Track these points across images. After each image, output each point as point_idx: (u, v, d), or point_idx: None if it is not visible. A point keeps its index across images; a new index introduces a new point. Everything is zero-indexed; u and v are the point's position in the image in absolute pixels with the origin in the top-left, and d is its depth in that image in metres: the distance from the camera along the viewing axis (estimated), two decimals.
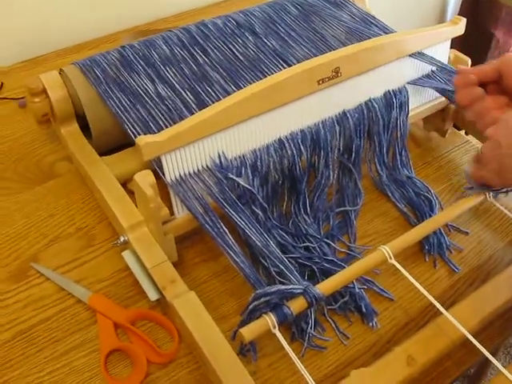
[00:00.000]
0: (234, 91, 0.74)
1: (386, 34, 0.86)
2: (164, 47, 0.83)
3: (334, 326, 0.69)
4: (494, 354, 1.23)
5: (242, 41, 0.85)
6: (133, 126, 0.73)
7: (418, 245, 0.78)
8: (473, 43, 1.80)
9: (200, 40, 0.84)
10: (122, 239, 0.69)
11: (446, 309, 0.67)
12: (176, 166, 0.66)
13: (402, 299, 0.73)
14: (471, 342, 0.58)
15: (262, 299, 0.55)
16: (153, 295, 0.65)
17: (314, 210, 0.77)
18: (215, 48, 0.83)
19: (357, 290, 0.70)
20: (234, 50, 0.83)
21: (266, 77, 0.76)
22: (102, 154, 0.79)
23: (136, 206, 0.70)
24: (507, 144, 0.62)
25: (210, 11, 1.23)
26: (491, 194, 0.70)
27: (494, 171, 0.66)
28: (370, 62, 0.75)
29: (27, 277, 0.73)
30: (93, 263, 0.75)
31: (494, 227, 0.82)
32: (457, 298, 0.73)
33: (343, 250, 0.76)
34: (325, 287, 0.58)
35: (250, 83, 0.74)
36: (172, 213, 0.69)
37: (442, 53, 0.84)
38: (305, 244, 0.73)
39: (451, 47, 0.86)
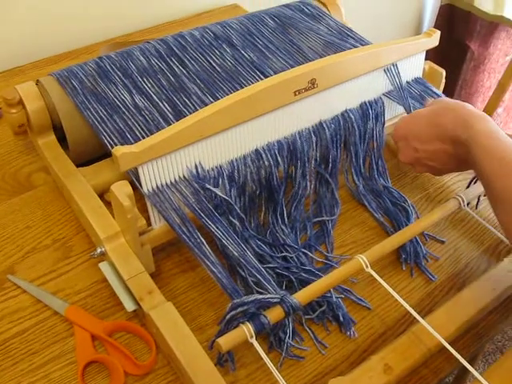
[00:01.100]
0: (212, 102, 0.74)
1: (362, 46, 0.87)
2: (141, 58, 0.83)
3: (311, 335, 0.70)
4: (471, 362, 1.25)
5: (219, 52, 0.85)
6: (110, 137, 0.72)
7: (395, 254, 0.79)
8: (448, 55, 1.83)
9: (177, 51, 0.84)
10: (98, 250, 0.69)
11: (423, 317, 0.68)
12: (153, 176, 0.66)
13: (380, 308, 0.73)
14: (448, 350, 0.59)
15: (239, 309, 0.56)
16: (130, 306, 0.65)
17: (291, 220, 0.78)
18: (193, 59, 0.83)
19: (334, 300, 0.70)
20: (211, 61, 0.83)
21: (243, 88, 0.77)
22: (79, 164, 0.79)
23: (113, 216, 0.70)
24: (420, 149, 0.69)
25: (188, 23, 1.23)
26: (465, 202, 0.71)
27: (427, 171, 0.72)
28: (346, 74, 0.76)
29: (3, 289, 0.73)
30: (70, 275, 0.75)
31: (469, 236, 0.83)
32: (433, 306, 0.74)
33: (321, 260, 0.77)
34: (302, 296, 0.59)
35: (228, 94, 0.74)
36: (149, 223, 0.69)
37: (417, 64, 0.85)
38: (282, 254, 0.74)
39: (427, 59, 0.88)
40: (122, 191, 0.64)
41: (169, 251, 0.77)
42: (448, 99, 0.67)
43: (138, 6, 1.21)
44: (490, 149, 0.58)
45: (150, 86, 0.79)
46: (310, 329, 0.70)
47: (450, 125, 0.63)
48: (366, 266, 0.62)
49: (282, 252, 0.74)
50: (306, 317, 0.70)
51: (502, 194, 0.56)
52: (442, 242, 0.82)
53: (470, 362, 1.13)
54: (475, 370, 1.59)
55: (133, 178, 0.67)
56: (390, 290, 0.61)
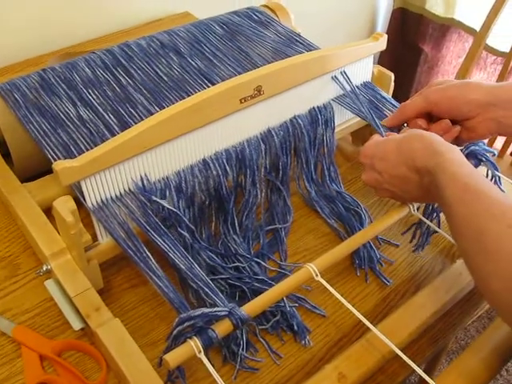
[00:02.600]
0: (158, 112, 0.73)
1: (310, 51, 0.87)
2: (86, 69, 0.81)
3: (266, 346, 0.69)
4: (434, 361, 1.25)
5: (166, 61, 0.84)
6: (53, 151, 0.70)
7: (350, 259, 0.79)
8: (403, 58, 1.85)
9: (123, 61, 0.83)
10: (44, 268, 0.67)
11: (378, 323, 0.68)
12: (97, 190, 0.65)
13: (335, 315, 0.73)
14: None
15: (186, 323, 0.54)
16: (76, 325, 0.63)
17: (243, 230, 0.77)
18: (139, 69, 0.82)
19: (288, 309, 0.69)
20: (158, 70, 0.82)
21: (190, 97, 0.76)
22: (26, 179, 0.77)
23: (59, 233, 0.68)
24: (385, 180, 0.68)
25: (139, 31, 1.21)
26: (415, 207, 0.71)
27: (388, 196, 0.71)
28: (293, 80, 0.75)
29: None
30: (17, 293, 0.73)
31: None
32: (389, 311, 0.74)
33: (274, 269, 0.76)
34: (251, 308, 0.58)
35: (174, 103, 0.73)
36: (96, 238, 0.68)
37: (366, 68, 0.85)
38: (235, 264, 0.72)
39: (380, 62, 0.88)
40: (64, 207, 0.62)
41: (119, 265, 0.76)
42: (421, 130, 0.66)
43: (88, 16, 1.18)
44: (455, 176, 0.57)
45: (95, 97, 0.77)
46: (264, 339, 0.69)
47: (419, 152, 0.62)
48: (316, 275, 0.61)
49: (235, 262, 0.73)
50: (260, 327, 0.69)
51: (463, 220, 0.55)
52: (397, 246, 0.82)
53: (432, 362, 1.14)
54: (439, 368, 1.59)
55: (76, 193, 0.65)
56: (341, 298, 0.60)
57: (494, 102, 0.69)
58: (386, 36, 0.85)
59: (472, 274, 0.55)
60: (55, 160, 0.70)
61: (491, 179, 0.75)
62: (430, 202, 0.76)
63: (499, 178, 0.75)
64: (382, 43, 0.84)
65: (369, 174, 0.70)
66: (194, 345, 0.54)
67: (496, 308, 0.54)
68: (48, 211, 0.74)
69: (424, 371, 0.56)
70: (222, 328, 0.56)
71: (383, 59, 1.79)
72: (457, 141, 0.74)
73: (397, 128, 0.78)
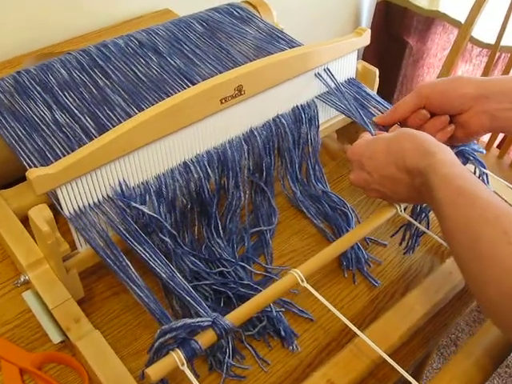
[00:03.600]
0: (137, 114, 0.71)
1: (293, 47, 0.85)
2: (62, 71, 0.79)
3: (253, 352, 0.67)
4: (426, 357, 1.24)
5: (144, 61, 0.81)
6: (28, 158, 0.68)
7: (337, 261, 0.77)
8: (388, 51, 1.84)
9: (100, 62, 0.80)
10: (22, 279, 0.66)
11: (366, 326, 0.66)
12: (74, 198, 0.62)
13: (323, 319, 0.71)
14: (393, 358, 0.57)
15: (168, 335, 0.52)
16: (56, 338, 0.61)
17: (227, 233, 0.75)
18: (116, 69, 0.79)
19: (274, 314, 0.67)
20: (136, 70, 0.80)
21: (169, 97, 0.73)
22: (3, 186, 0.75)
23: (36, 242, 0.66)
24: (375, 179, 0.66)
25: (118, 30, 1.19)
26: (402, 207, 0.69)
27: (377, 196, 0.69)
28: (275, 78, 0.73)
29: None
30: None
31: None
32: (378, 312, 0.72)
33: (260, 272, 0.74)
34: (235, 317, 0.56)
35: (154, 105, 0.71)
36: (75, 246, 0.65)
37: (349, 64, 0.83)
38: (219, 269, 0.71)
39: (365, 55, 0.86)
40: (40, 216, 0.60)
41: (100, 273, 0.73)
42: (412, 129, 0.65)
43: (64, 14, 1.16)
44: (448, 177, 0.55)
45: (71, 100, 0.75)
46: (250, 346, 0.67)
47: (409, 151, 0.61)
48: (302, 281, 0.59)
49: (219, 267, 0.71)
50: (247, 333, 0.68)
51: (456, 225, 0.53)
52: (384, 246, 0.80)
53: (425, 357, 1.12)
54: (430, 363, 1.59)
55: (53, 201, 0.63)
56: (328, 304, 0.59)
57: (486, 94, 0.68)
58: (369, 31, 0.83)
59: (467, 280, 0.54)
60: (30, 166, 0.68)
61: (479, 177, 0.74)
62: (420, 203, 0.75)
63: (487, 175, 0.74)
64: (365, 38, 0.82)
65: (357, 174, 0.68)
66: (177, 357, 0.52)
67: (490, 315, 0.52)
68: (25, 219, 0.72)
69: (414, 368, 0.54)
70: (205, 339, 0.54)
71: (368, 53, 1.78)
72: (450, 140, 0.72)
73: (388, 126, 0.76)
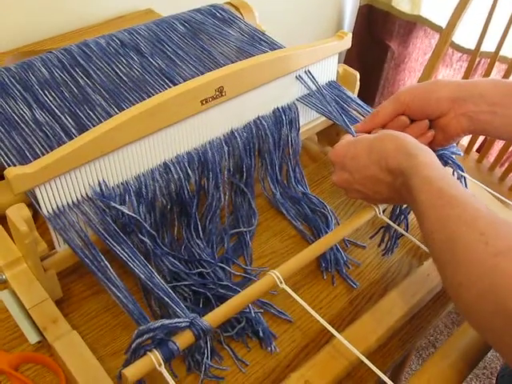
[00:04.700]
0: (118, 114, 0.70)
1: (275, 50, 0.85)
2: (43, 70, 0.78)
3: (231, 353, 0.67)
4: (404, 358, 1.25)
5: (126, 61, 0.81)
6: (7, 156, 0.67)
7: (316, 262, 0.77)
8: (370, 55, 1.85)
9: (82, 61, 0.80)
10: None
11: (345, 326, 0.66)
12: (52, 197, 0.62)
13: (301, 320, 0.71)
14: (372, 359, 0.57)
15: (146, 336, 0.52)
16: (33, 338, 0.61)
17: (206, 234, 0.75)
18: (98, 69, 0.79)
19: (253, 315, 0.67)
20: (117, 70, 0.79)
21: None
22: None
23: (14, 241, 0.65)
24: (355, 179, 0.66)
25: (99, 29, 1.19)
26: (381, 209, 0.69)
27: (359, 197, 0.69)
28: (256, 80, 0.73)
29: None
30: None
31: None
32: (356, 314, 0.73)
33: (239, 274, 0.74)
34: (213, 318, 0.56)
35: (135, 105, 0.71)
36: (53, 246, 0.65)
37: (330, 68, 0.84)
38: (198, 270, 0.71)
39: (347, 59, 0.87)
40: (18, 215, 0.59)
41: (80, 273, 0.73)
42: (394, 131, 0.65)
43: (45, 13, 1.15)
44: (429, 179, 0.56)
45: (51, 99, 0.75)
46: (229, 347, 0.67)
47: (391, 152, 0.61)
48: (281, 282, 0.59)
49: (198, 268, 0.71)
50: (225, 334, 0.68)
51: (435, 224, 0.53)
52: (363, 248, 0.81)
53: (401, 360, 1.13)
54: (409, 365, 1.60)
55: (32, 200, 0.62)
56: (306, 305, 0.59)
57: (463, 96, 0.68)
58: (350, 35, 0.83)
59: (444, 282, 0.54)
60: (9, 165, 0.67)
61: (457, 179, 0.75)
62: (400, 204, 0.75)
63: (465, 178, 0.75)
64: (346, 42, 0.83)
65: (339, 175, 0.68)
66: (154, 358, 0.52)
67: (467, 316, 0.52)
68: (2, 218, 0.71)
69: (393, 370, 0.55)
70: (183, 339, 0.54)
71: (350, 56, 1.79)
72: (431, 144, 0.73)
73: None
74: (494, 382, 0.68)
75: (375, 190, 0.65)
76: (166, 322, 0.53)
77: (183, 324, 0.53)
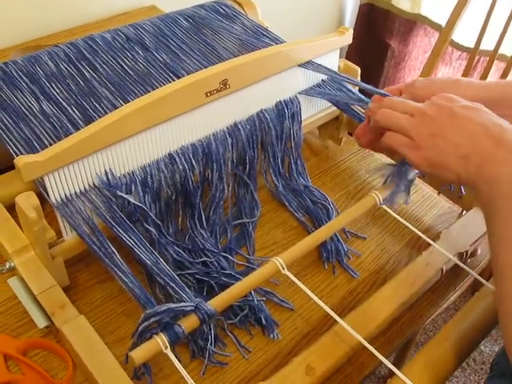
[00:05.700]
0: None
1: (277, 44, 0.87)
2: (50, 63, 0.80)
3: (234, 340, 0.68)
4: (403, 352, 1.26)
5: (131, 55, 0.83)
6: (15, 146, 0.69)
7: (317, 252, 0.79)
8: (370, 53, 1.86)
9: (88, 55, 0.82)
10: (7, 265, 0.66)
11: (346, 315, 0.68)
12: (61, 185, 0.63)
13: (303, 308, 0.73)
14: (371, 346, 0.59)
15: (152, 319, 0.54)
16: (41, 322, 0.62)
17: (210, 224, 0.76)
18: (103, 63, 0.81)
19: (256, 303, 0.69)
20: (123, 64, 0.81)
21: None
22: None
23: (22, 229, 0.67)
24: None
25: (103, 25, 1.20)
26: (381, 199, 0.71)
27: (425, 154, 0.61)
28: (259, 73, 0.75)
29: None
30: None
31: (390, 231, 0.84)
32: (356, 303, 0.74)
33: (242, 263, 0.76)
34: (217, 303, 0.57)
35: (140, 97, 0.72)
36: (61, 234, 0.67)
37: (332, 62, 0.85)
38: (202, 259, 0.72)
39: (348, 57, 0.88)
40: (27, 202, 0.61)
41: (86, 261, 0.74)
42: None
43: (52, 9, 1.16)
44: None
45: (58, 91, 0.76)
46: (232, 334, 0.69)
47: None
48: (283, 268, 0.61)
49: (202, 257, 0.72)
50: (229, 321, 0.69)
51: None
52: (364, 239, 0.82)
53: (401, 353, 1.15)
54: (408, 359, 1.61)
55: (40, 188, 0.64)
56: (308, 291, 0.61)
57: (490, 98, 0.65)
58: (351, 30, 0.85)
59: (504, 332, 0.46)
60: (18, 155, 0.68)
61: None
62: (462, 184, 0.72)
63: None
64: (347, 37, 0.84)
65: (439, 104, 0.60)
66: (160, 341, 0.53)
67: None
68: (12, 207, 0.73)
69: (393, 363, 0.56)
70: (188, 323, 0.55)
71: (351, 54, 1.80)
72: None
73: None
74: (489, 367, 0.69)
75: (446, 152, 0.57)
76: (172, 305, 0.54)
77: (188, 308, 0.55)
